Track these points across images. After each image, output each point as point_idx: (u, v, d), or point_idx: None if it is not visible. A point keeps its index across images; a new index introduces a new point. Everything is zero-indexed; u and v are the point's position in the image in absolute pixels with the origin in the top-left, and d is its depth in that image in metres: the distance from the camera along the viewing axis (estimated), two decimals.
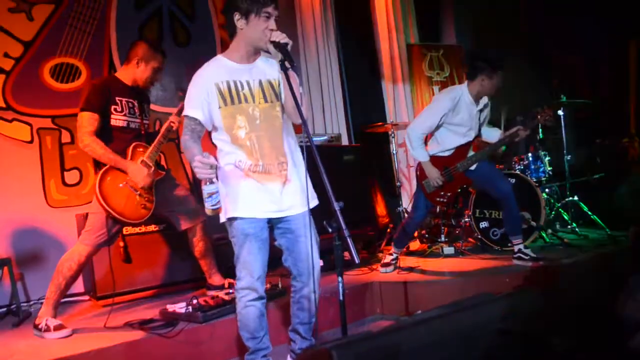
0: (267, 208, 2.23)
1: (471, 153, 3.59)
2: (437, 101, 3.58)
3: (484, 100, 3.55)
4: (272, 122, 2.25)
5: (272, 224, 2.30)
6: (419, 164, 3.62)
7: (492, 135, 3.68)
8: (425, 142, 3.65)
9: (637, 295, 1.73)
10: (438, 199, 3.59)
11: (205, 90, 2.19)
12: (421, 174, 3.62)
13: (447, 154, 3.59)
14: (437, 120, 3.49)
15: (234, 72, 2.24)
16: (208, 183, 2.06)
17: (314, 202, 2.30)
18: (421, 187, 3.63)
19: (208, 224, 3.26)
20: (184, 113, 2.23)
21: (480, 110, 3.56)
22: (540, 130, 4.88)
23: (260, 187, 2.21)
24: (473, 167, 3.58)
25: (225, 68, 2.24)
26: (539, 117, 3.57)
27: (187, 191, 3.30)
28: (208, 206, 2.09)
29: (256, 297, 2.25)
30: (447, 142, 3.58)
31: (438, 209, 4.35)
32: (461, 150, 3.57)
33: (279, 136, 2.28)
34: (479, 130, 3.62)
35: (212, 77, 2.21)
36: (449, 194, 3.57)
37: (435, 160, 3.57)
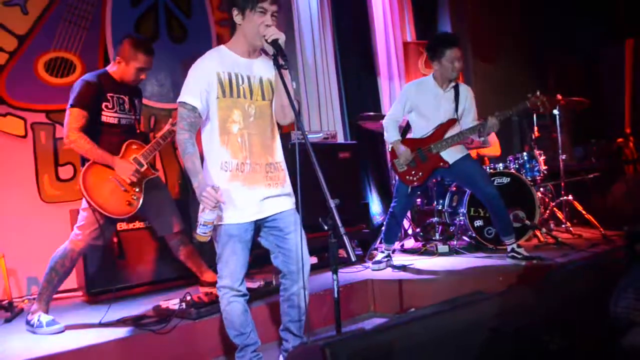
0: (252, 211, 2.23)
1: (448, 135, 3.57)
2: (403, 88, 3.85)
3: (454, 85, 3.58)
4: (265, 120, 2.27)
5: (259, 223, 2.31)
6: (392, 149, 3.68)
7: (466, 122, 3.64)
8: (406, 132, 3.86)
9: (630, 294, 1.73)
10: (408, 177, 3.62)
11: (206, 79, 2.17)
12: (392, 154, 3.69)
13: (423, 137, 3.64)
14: (403, 104, 3.65)
15: (236, 64, 2.24)
16: (208, 211, 2.04)
17: (292, 202, 2.33)
18: (393, 167, 3.69)
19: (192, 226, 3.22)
20: (181, 100, 2.17)
21: (455, 96, 3.58)
22: (535, 128, 4.90)
23: (244, 191, 2.20)
24: (451, 160, 3.55)
25: (229, 59, 2.24)
26: (529, 101, 3.34)
27: (171, 199, 3.25)
28: (199, 232, 2.07)
29: (238, 295, 2.25)
30: (418, 127, 3.68)
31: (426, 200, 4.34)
32: (437, 132, 3.60)
33: (270, 136, 2.30)
34: (457, 115, 3.58)
35: (214, 66, 2.19)
36: (420, 174, 3.60)
37: (410, 142, 3.66)
